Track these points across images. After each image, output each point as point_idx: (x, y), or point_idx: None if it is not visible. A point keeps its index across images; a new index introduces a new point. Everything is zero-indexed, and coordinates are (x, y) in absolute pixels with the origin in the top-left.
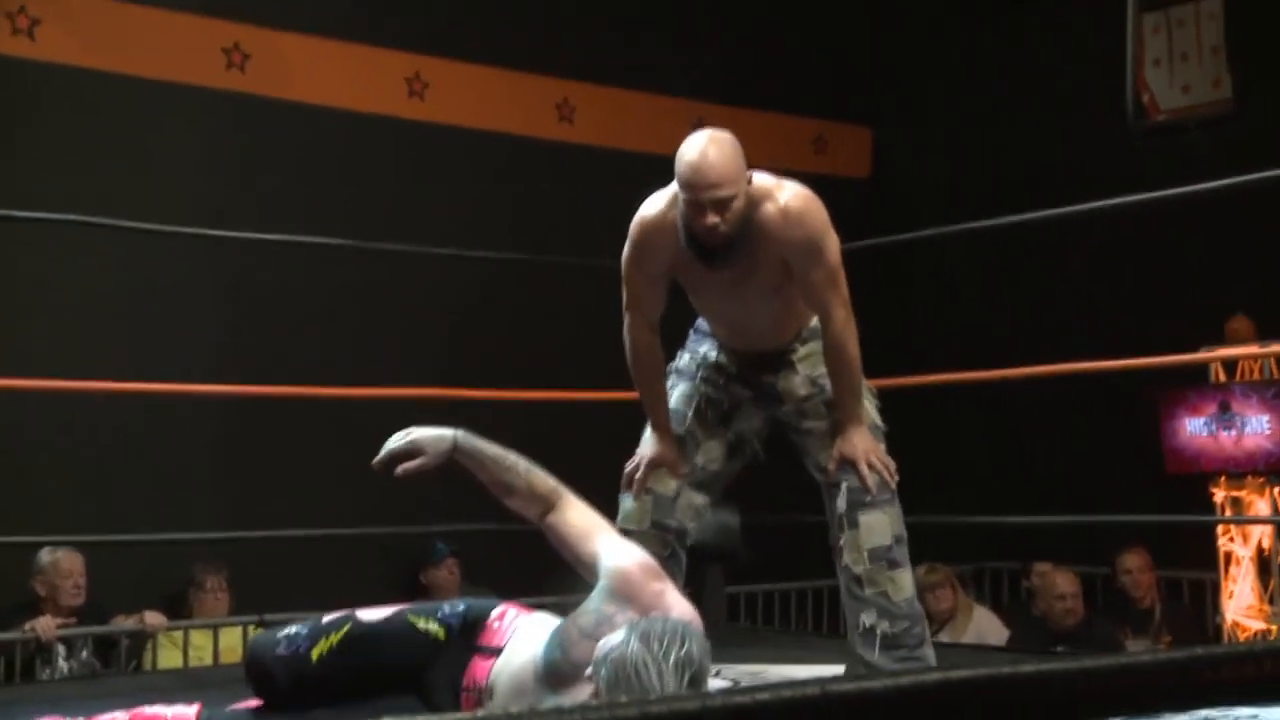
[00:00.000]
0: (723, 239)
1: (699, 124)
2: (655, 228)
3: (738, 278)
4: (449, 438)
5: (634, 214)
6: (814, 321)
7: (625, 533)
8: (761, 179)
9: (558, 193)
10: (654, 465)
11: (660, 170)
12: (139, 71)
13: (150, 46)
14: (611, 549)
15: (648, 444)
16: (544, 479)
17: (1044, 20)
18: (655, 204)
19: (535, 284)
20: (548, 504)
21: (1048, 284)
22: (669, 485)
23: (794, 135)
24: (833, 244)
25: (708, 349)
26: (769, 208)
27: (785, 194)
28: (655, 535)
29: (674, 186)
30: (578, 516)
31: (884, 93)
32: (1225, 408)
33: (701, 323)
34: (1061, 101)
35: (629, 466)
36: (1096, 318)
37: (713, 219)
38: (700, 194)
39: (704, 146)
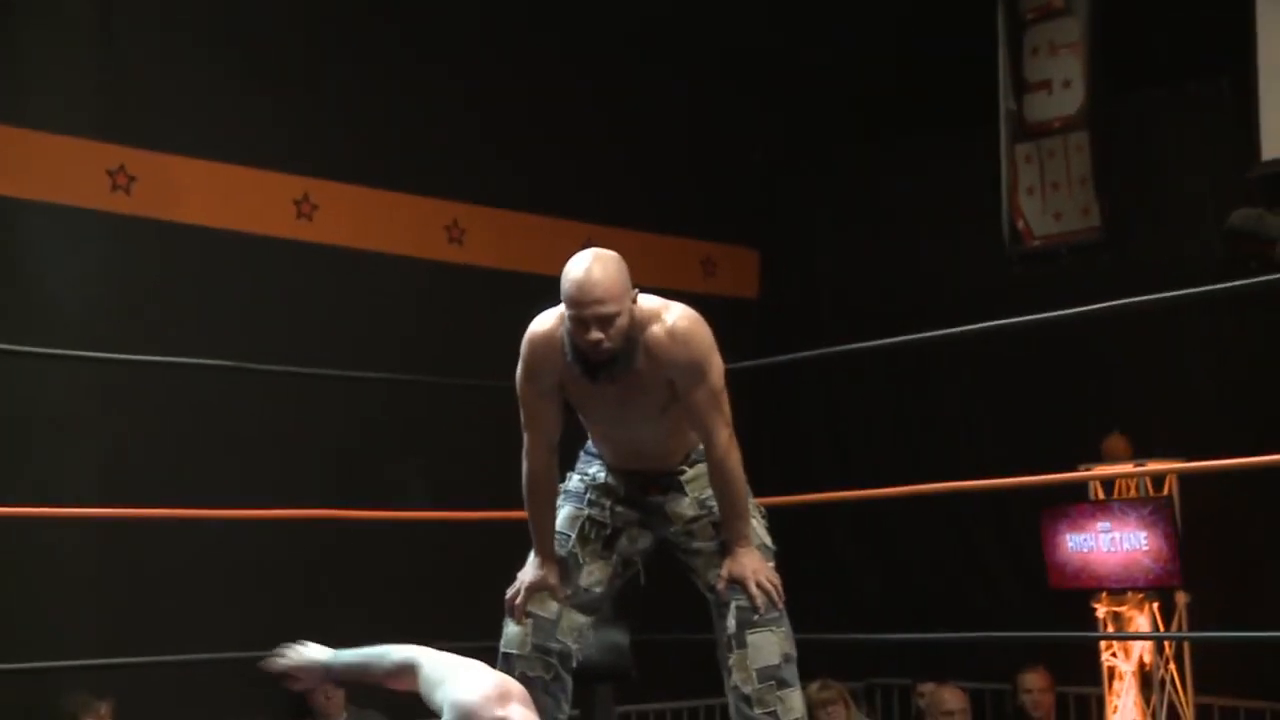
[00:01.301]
0: (606, 354)
1: (588, 244)
2: (544, 343)
3: (624, 396)
4: (321, 667)
5: (525, 333)
6: (699, 446)
7: (508, 657)
8: (649, 300)
9: (449, 314)
10: (534, 589)
11: (550, 290)
12: (23, 194)
13: (35, 169)
14: (457, 687)
15: (529, 568)
16: (403, 652)
17: (928, 146)
18: (544, 320)
19: (428, 404)
20: (411, 672)
21: (932, 403)
22: (550, 608)
23: (683, 257)
24: (717, 365)
25: (596, 470)
26: (655, 329)
27: (672, 315)
28: (538, 658)
29: (559, 307)
30: (431, 668)
31: (771, 216)
32: (1103, 524)
33: (591, 444)
34: (942, 225)
35: (510, 592)
36: (978, 436)
37: (596, 334)
38: (584, 310)
39: (589, 264)
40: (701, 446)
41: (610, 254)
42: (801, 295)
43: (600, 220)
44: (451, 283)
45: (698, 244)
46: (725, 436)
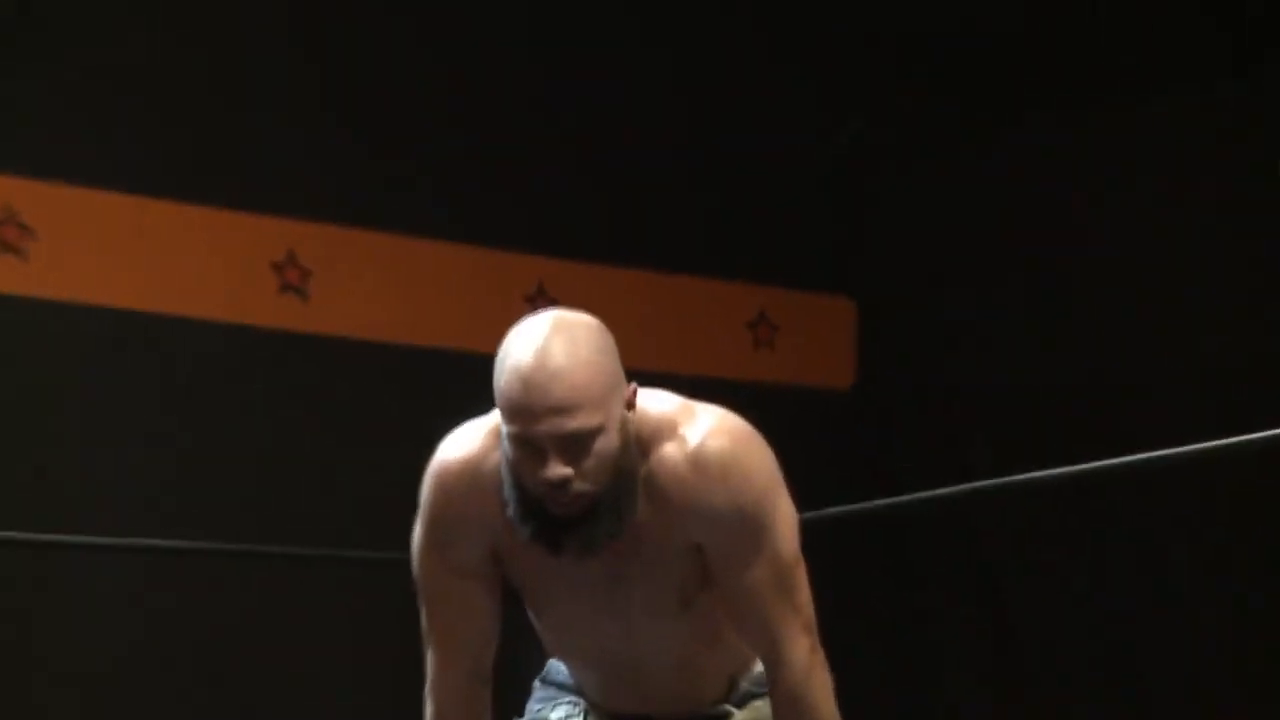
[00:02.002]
0: (579, 506)
1: (537, 300)
2: (464, 484)
3: (612, 581)
4: None
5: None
6: (756, 667)
7: None
8: (656, 401)
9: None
10: None
11: (473, 376)
12: None
13: None
14: None
15: None
16: None
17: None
18: (464, 442)
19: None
20: None
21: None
22: None
23: (721, 312)
24: (785, 517)
25: (564, 717)
26: (669, 452)
27: (699, 428)
28: None
29: (491, 417)
30: None
31: (875, 244)
32: None
33: (555, 668)
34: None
35: None
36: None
37: (557, 470)
38: (536, 425)
39: (544, 342)
40: (759, 670)
41: (584, 322)
42: (927, 379)
43: (566, 253)
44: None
45: (746, 290)
46: (804, 651)
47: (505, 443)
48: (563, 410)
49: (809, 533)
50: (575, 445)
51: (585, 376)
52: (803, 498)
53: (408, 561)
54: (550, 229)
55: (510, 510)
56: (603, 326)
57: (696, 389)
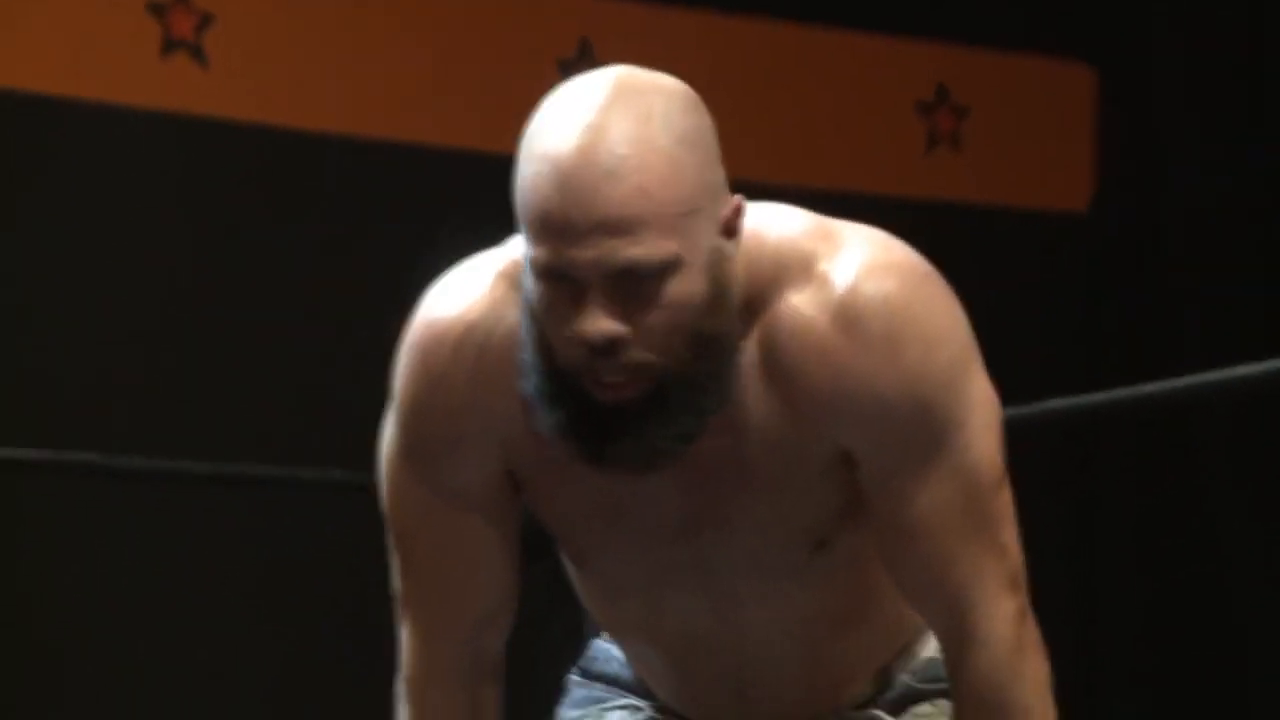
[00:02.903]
0: (636, 387)
1: (577, 63)
2: (465, 358)
3: (696, 508)
4: None
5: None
6: (923, 649)
7: None
8: (778, 221)
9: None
10: None
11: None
12: None
13: None
14: None
15: None
16: None
17: None
18: (461, 294)
19: None
20: None
21: None
22: None
23: (880, 88)
24: (983, 411)
25: None
26: (800, 303)
27: (848, 263)
28: None
29: (507, 251)
30: None
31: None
32: None
33: (603, 653)
34: None
35: None
36: None
37: (604, 324)
38: (575, 249)
39: (596, 117)
40: (928, 651)
41: (663, 88)
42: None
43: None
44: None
45: (915, 51)
46: (1008, 620)
47: (527, 280)
48: (619, 227)
49: (1018, 437)
50: (635, 287)
51: (659, 176)
52: (1010, 382)
53: (370, 486)
54: None
55: (528, 387)
56: (694, 98)
57: (835, 209)
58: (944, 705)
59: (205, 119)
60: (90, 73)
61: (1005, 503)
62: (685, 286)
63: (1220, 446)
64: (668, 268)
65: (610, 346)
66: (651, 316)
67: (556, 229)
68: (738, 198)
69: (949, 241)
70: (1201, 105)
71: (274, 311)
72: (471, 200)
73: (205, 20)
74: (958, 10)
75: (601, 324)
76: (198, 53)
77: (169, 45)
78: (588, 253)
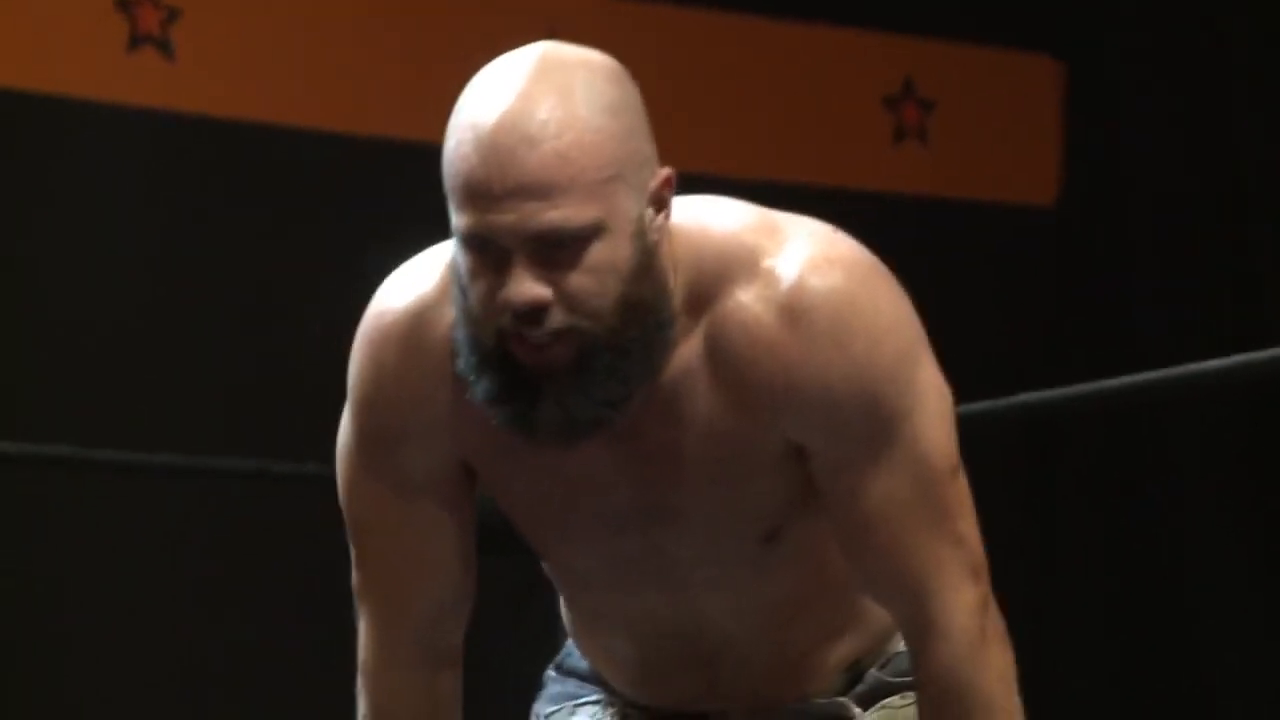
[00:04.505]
0: (561, 353)
1: (549, 37)
2: (416, 348)
3: (649, 497)
4: None
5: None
6: (899, 642)
7: None
8: (723, 214)
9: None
10: None
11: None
12: None
13: None
14: None
15: None
16: None
17: None
18: (412, 287)
19: None
20: None
21: None
22: None
23: (844, 81)
24: (935, 401)
25: None
26: (747, 298)
27: (793, 257)
28: None
29: (450, 247)
30: None
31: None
32: None
33: (573, 651)
34: None
35: None
36: None
37: (527, 288)
38: (496, 213)
39: (522, 85)
40: (894, 645)
41: (587, 61)
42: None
43: None
44: None
45: (883, 44)
46: (969, 609)
47: (457, 253)
48: (538, 191)
49: (980, 431)
50: (557, 252)
51: (579, 141)
52: (972, 377)
53: (329, 478)
54: None
55: (460, 361)
56: (620, 71)
57: (801, 203)
58: (914, 696)
59: (173, 113)
60: (57, 67)
61: (961, 492)
62: (609, 253)
63: (1184, 442)
64: (590, 232)
65: (535, 312)
66: (575, 281)
67: (478, 194)
68: (666, 170)
69: (915, 235)
70: (1168, 100)
71: (242, 304)
72: (437, 191)
73: (172, 15)
74: (924, 3)
75: (525, 288)
76: (165, 47)
77: (136, 40)
78: (508, 216)
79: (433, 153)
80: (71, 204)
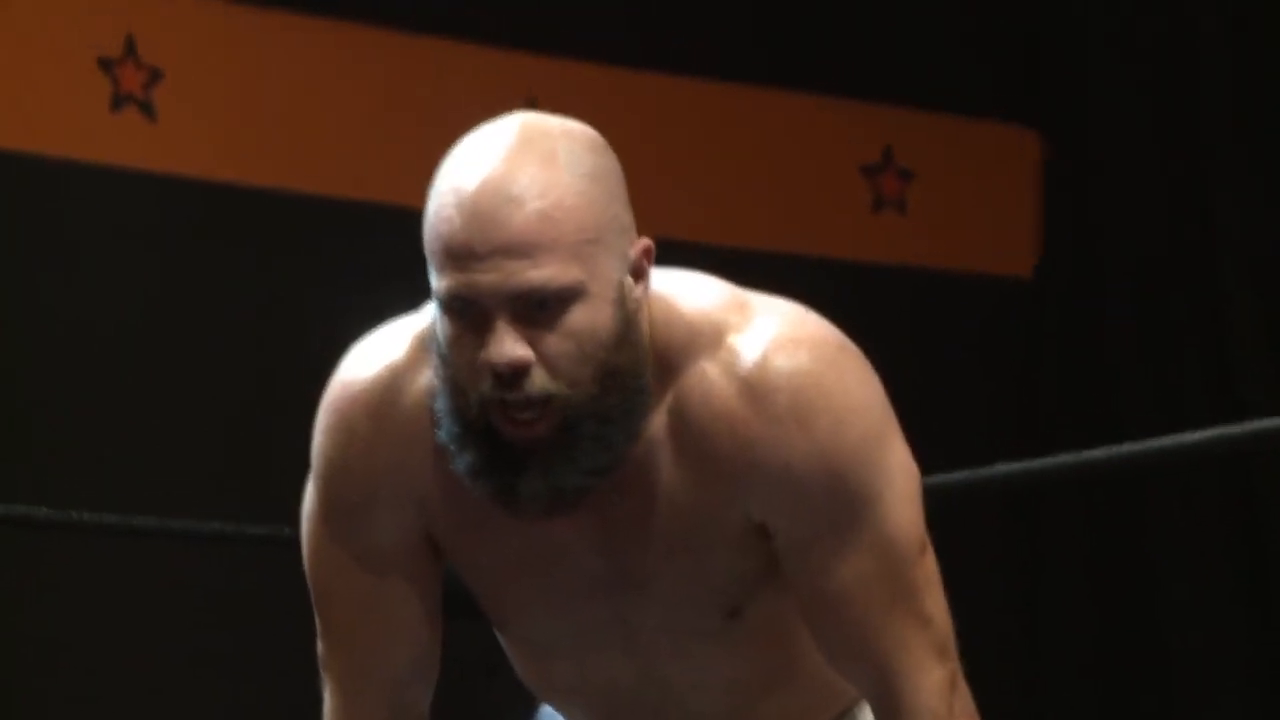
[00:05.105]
0: (545, 421)
1: (530, 105)
2: (382, 418)
3: (613, 570)
4: None
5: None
6: (865, 711)
7: None
8: (693, 290)
9: None
10: None
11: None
12: None
13: None
14: None
15: None
16: None
17: None
18: (377, 356)
19: None
20: None
21: None
22: None
23: (824, 150)
24: (901, 479)
25: None
26: (712, 374)
27: (759, 335)
28: None
29: (425, 314)
30: None
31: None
32: None
33: (551, 715)
34: None
35: None
36: None
37: (509, 349)
38: (478, 272)
39: (503, 152)
40: (862, 709)
41: (568, 130)
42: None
43: (567, 51)
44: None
45: (862, 114)
46: (937, 689)
47: (437, 320)
48: (520, 250)
49: (958, 501)
50: (538, 314)
51: (561, 203)
52: (947, 446)
53: (295, 542)
54: (546, 11)
55: (442, 431)
56: (600, 141)
57: (779, 271)
58: None
59: (155, 174)
60: (40, 127)
61: (928, 570)
62: (590, 317)
63: (1164, 512)
64: (571, 295)
65: (515, 374)
66: (556, 345)
67: (460, 254)
68: (645, 240)
69: (894, 305)
70: (1146, 172)
71: (220, 365)
72: (419, 256)
73: (154, 75)
74: (904, 73)
75: (506, 348)
76: (147, 108)
77: (118, 100)
78: (490, 276)
79: (412, 216)
80: (53, 263)
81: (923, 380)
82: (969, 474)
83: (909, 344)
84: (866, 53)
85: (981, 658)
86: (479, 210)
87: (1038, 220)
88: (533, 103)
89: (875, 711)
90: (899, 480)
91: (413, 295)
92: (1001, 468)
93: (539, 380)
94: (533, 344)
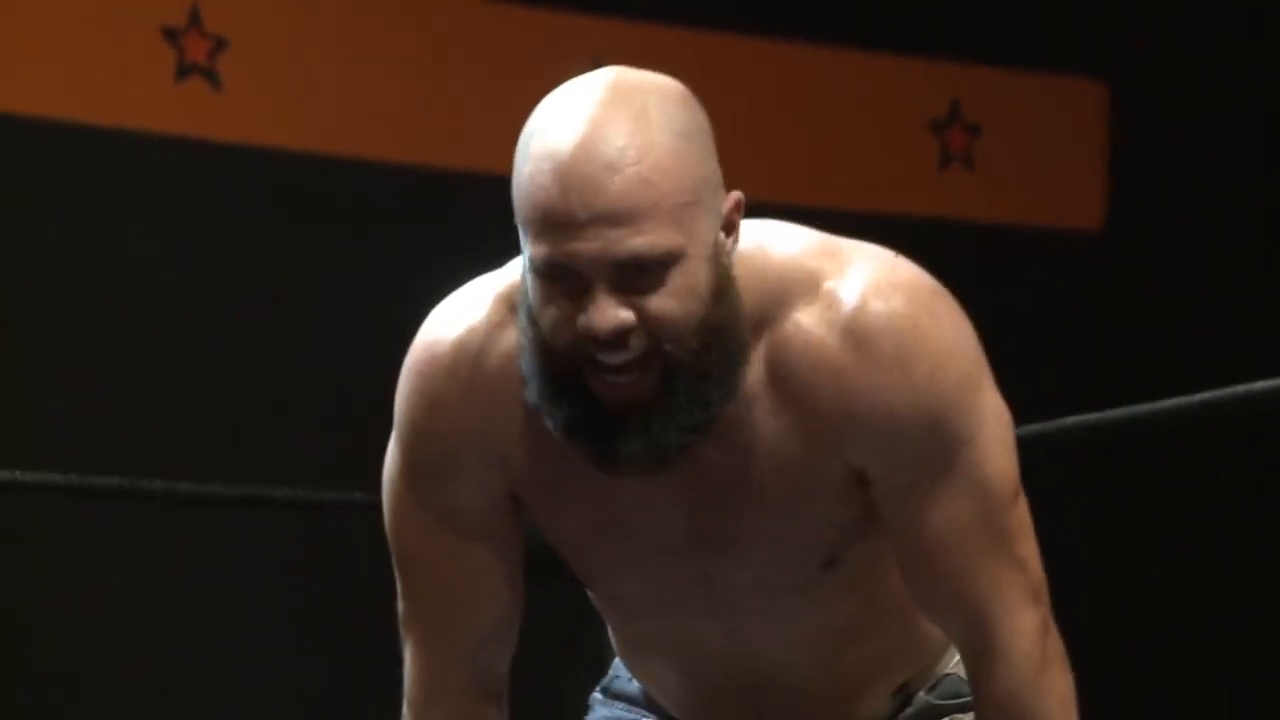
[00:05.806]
0: (644, 381)
1: (596, 66)
2: (465, 380)
3: (705, 524)
4: None
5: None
6: (947, 664)
7: None
8: (783, 238)
9: None
10: None
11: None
12: None
13: None
14: None
15: None
16: None
17: None
18: (460, 317)
19: None
20: None
21: None
22: None
23: (891, 106)
24: (996, 425)
25: None
26: (808, 321)
27: (855, 281)
28: None
29: (506, 273)
30: None
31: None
32: None
33: (620, 674)
34: None
35: None
36: None
37: (611, 314)
38: (577, 242)
39: (595, 111)
40: (950, 666)
41: (659, 86)
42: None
43: (632, 11)
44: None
45: (929, 70)
46: (1030, 633)
47: (527, 282)
48: (621, 218)
49: (1032, 454)
50: (639, 278)
51: (659, 166)
52: (1026, 400)
53: (376, 506)
54: None
55: (531, 393)
56: (688, 95)
57: (848, 228)
58: (962, 719)
59: (220, 143)
60: (105, 98)
61: (1021, 516)
62: (689, 277)
63: (1237, 463)
64: (671, 258)
65: (619, 338)
66: (657, 306)
67: (558, 223)
68: (736, 193)
69: (962, 260)
70: (1214, 121)
71: (289, 333)
72: (485, 220)
73: (219, 44)
74: (970, 28)
75: (609, 314)
76: (212, 77)
77: (183, 70)
78: (591, 245)
79: (480, 181)
80: (120, 233)
81: (992, 335)
82: (1040, 427)
83: (977, 299)
84: (931, 8)
85: (1054, 609)
86: (577, 177)
87: (1106, 172)
88: (598, 64)
89: (966, 656)
90: (993, 424)
91: (481, 259)
92: (1073, 419)
93: (639, 342)
94: (633, 307)
